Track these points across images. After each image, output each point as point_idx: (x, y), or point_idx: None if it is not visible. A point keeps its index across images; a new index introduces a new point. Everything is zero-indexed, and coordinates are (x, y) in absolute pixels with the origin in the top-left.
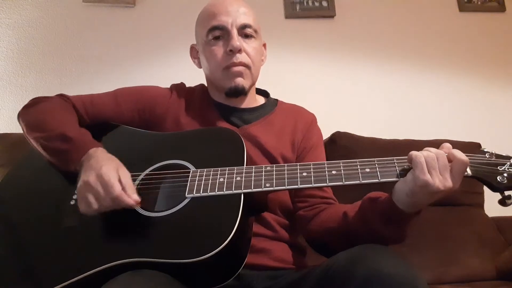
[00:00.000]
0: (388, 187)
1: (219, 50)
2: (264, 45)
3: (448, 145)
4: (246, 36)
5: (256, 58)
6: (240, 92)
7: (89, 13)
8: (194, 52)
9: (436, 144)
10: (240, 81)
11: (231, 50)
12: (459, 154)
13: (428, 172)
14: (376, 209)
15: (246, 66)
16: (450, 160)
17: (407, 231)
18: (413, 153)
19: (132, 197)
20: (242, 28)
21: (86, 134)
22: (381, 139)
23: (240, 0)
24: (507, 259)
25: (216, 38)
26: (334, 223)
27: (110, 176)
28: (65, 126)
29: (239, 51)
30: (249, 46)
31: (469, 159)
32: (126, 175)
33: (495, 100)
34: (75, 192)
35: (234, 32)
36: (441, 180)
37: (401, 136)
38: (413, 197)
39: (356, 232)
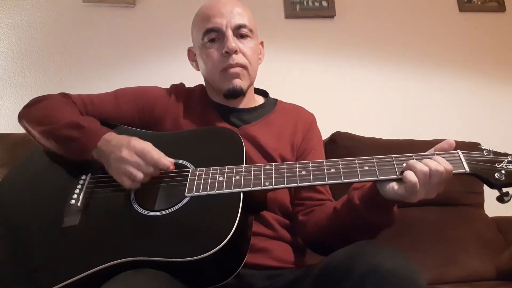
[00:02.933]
0: None
1: (215, 52)
2: (262, 43)
3: (451, 143)
4: (242, 36)
5: (253, 57)
6: (239, 93)
7: (89, 13)
8: (191, 55)
9: (436, 144)
10: (237, 82)
11: (226, 52)
12: (446, 164)
13: (419, 191)
14: (361, 196)
15: (243, 66)
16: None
17: (394, 215)
18: (408, 176)
19: (168, 160)
20: (237, 28)
21: (95, 122)
22: (381, 139)
23: (235, 1)
24: (507, 259)
25: (212, 40)
26: (326, 220)
27: (142, 145)
28: (74, 116)
29: (235, 52)
30: (245, 46)
31: (467, 156)
32: (150, 143)
33: (495, 100)
34: (75, 192)
35: (229, 34)
36: (428, 193)
37: (401, 136)
38: (399, 201)
39: (346, 222)
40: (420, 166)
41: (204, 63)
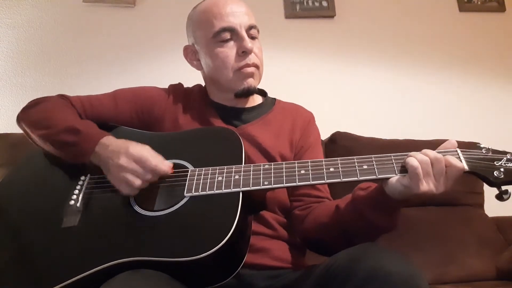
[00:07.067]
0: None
1: (229, 51)
2: None
3: (454, 143)
4: (252, 37)
5: (262, 58)
6: (251, 93)
7: (89, 13)
8: (191, 54)
9: (436, 144)
10: (251, 81)
11: (243, 52)
12: (454, 161)
13: (424, 179)
14: (366, 196)
15: (257, 66)
16: (446, 165)
17: (397, 219)
18: (409, 161)
19: (166, 165)
20: (249, 29)
21: (93, 126)
22: (381, 139)
23: (240, 0)
24: (507, 259)
25: (225, 39)
26: (327, 218)
27: (141, 153)
28: (71, 120)
29: (251, 52)
30: (255, 46)
31: (466, 154)
32: (148, 149)
33: (495, 100)
34: (74, 192)
35: (245, 34)
36: (435, 185)
37: (401, 136)
38: (405, 196)
39: (348, 222)
40: (420, 154)
41: (212, 62)
